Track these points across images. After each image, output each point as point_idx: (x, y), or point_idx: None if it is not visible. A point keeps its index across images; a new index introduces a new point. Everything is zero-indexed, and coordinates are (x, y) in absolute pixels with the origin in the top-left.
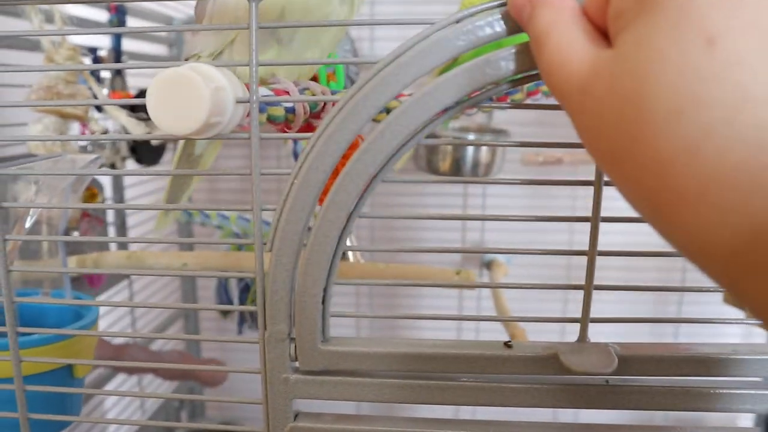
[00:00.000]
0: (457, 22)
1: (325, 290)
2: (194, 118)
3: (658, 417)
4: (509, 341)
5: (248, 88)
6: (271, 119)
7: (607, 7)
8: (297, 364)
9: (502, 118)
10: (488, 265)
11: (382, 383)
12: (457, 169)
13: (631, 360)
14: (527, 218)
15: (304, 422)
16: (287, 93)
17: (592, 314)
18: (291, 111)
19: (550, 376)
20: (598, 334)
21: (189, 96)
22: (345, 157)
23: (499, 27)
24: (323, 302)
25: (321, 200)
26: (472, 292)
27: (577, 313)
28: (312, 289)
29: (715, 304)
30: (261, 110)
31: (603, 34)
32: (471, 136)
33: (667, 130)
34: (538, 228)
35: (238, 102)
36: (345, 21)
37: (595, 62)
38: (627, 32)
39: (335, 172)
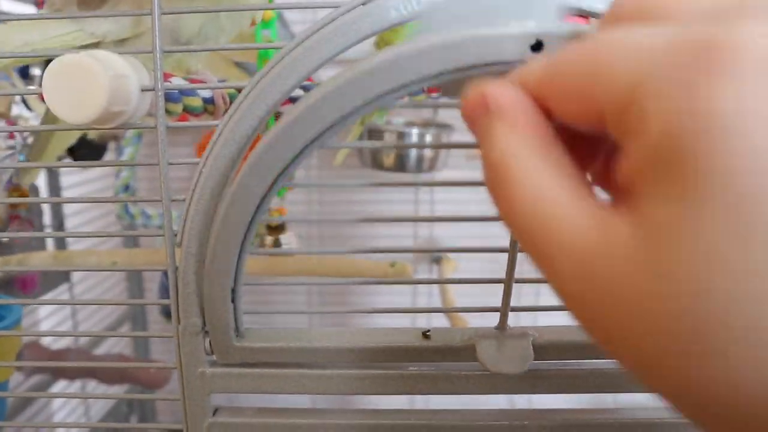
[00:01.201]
0: (364, 4)
1: (233, 290)
2: (93, 107)
3: (608, 399)
4: (428, 331)
5: (167, 77)
6: (188, 110)
7: (587, 117)
8: (214, 357)
9: (448, 112)
10: (437, 261)
11: (302, 374)
12: (401, 164)
13: (550, 346)
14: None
15: (224, 417)
16: (203, 83)
17: (543, 302)
18: (210, 101)
19: (470, 363)
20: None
21: (86, 83)
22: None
23: (406, 10)
24: (233, 301)
25: None
26: (425, 277)
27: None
28: (220, 292)
29: None
30: (175, 100)
31: (576, 153)
32: (415, 131)
33: (725, 358)
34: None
35: (144, 90)
36: (245, 6)
37: (602, 234)
38: (656, 205)
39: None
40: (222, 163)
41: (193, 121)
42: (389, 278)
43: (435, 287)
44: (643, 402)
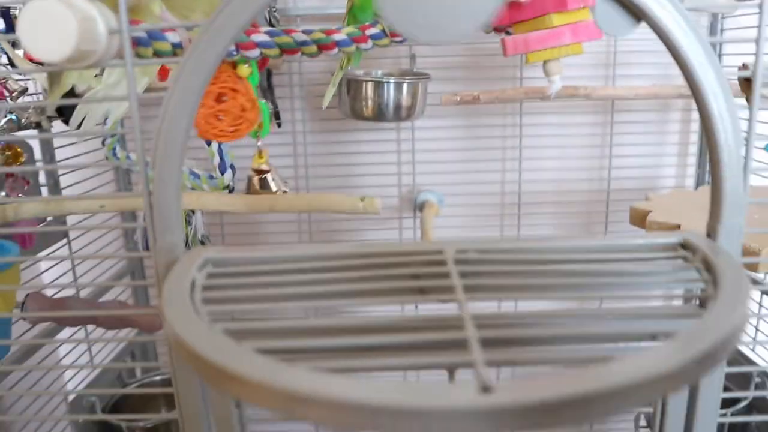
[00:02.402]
0: None
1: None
2: (65, 45)
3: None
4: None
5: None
6: (158, 54)
7: None
8: None
9: (425, 62)
10: (421, 207)
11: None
12: (380, 114)
13: None
14: None
15: None
16: (172, 29)
17: (524, 231)
18: (179, 46)
19: None
20: None
21: (57, 25)
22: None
23: None
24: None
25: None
26: (410, 223)
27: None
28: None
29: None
30: (145, 44)
31: None
32: (392, 81)
33: None
34: (470, 168)
35: (112, 33)
36: None
37: None
38: None
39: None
40: (187, 93)
41: (161, 59)
42: (360, 212)
43: (419, 224)
44: None
